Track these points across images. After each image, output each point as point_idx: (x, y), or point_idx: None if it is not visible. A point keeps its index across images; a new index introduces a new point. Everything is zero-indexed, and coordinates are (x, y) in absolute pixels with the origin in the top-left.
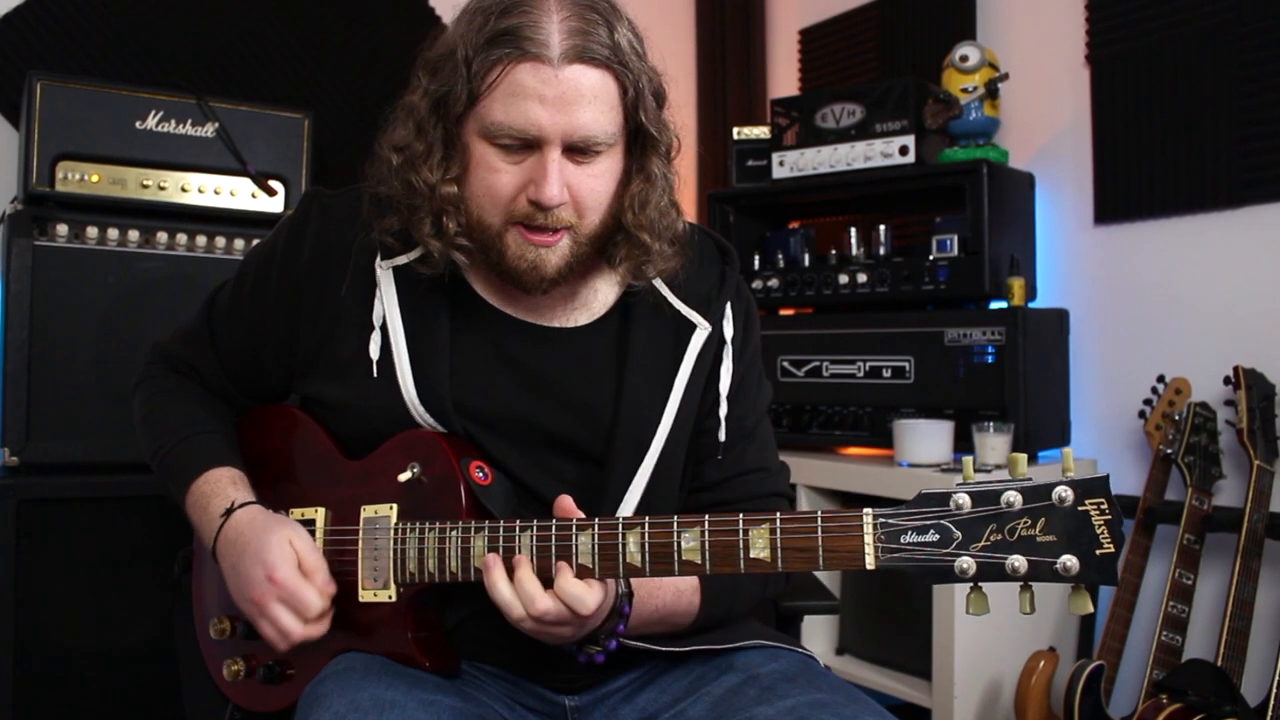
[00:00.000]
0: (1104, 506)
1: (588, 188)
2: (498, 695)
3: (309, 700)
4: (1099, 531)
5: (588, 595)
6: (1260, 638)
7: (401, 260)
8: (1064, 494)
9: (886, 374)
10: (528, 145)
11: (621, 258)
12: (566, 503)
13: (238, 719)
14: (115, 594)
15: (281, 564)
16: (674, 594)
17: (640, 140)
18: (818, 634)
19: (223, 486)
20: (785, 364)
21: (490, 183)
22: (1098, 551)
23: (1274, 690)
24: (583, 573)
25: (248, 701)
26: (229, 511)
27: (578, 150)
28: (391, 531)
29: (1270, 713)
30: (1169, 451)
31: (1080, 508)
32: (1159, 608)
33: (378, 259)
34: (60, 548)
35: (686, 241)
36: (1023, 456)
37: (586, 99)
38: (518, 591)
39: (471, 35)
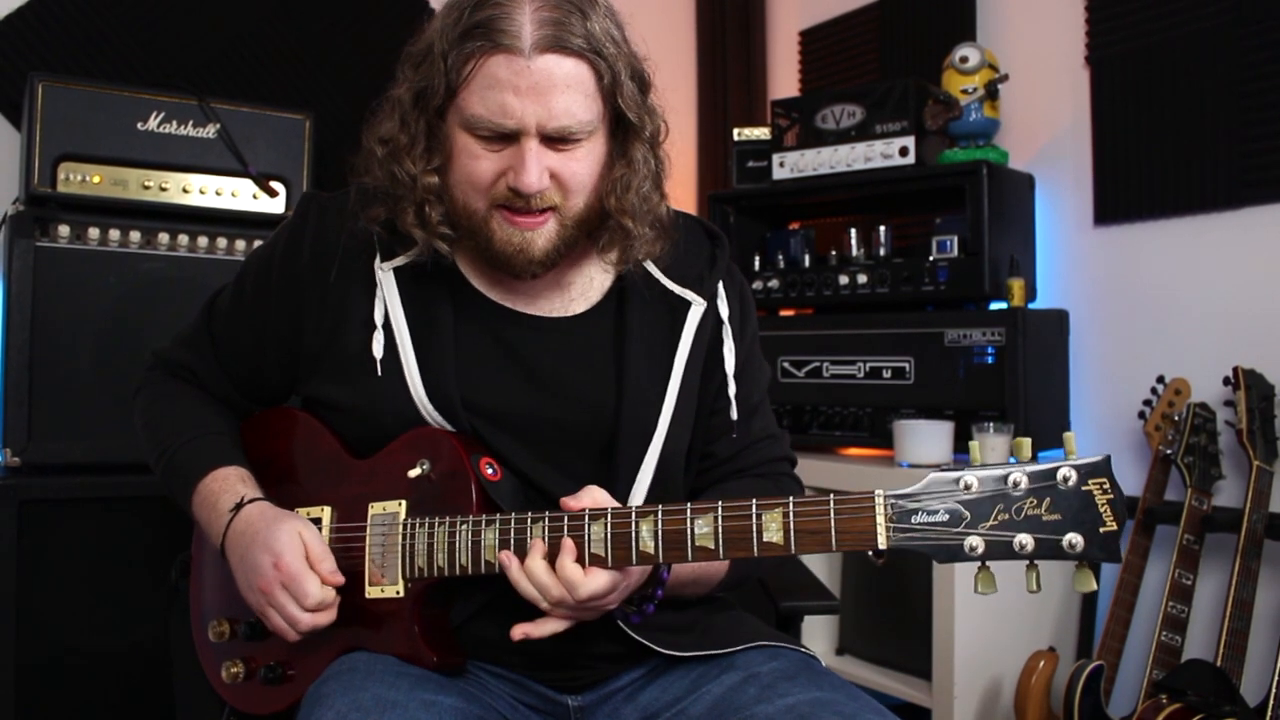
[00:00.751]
0: (1106, 486)
1: (570, 170)
2: (501, 695)
3: (312, 700)
4: (1102, 510)
5: (583, 583)
6: (1259, 638)
7: (401, 261)
8: (1068, 475)
9: (886, 374)
10: (507, 134)
11: (605, 244)
12: (570, 503)
13: None
14: (116, 594)
15: (288, 551)
16: None
17: (622, 126)
18: (818, 634)
19: (232, 483)
20: (785, 364)
21: (471, 169)
22: (1101, 529)
23: (1273, 690)
24: (595, 562)
25: (246, 704)
26: (239, 506)
27: (556, 139)
28: (400, 526)
29: (1270, 712)
30: (1168, 452)
31: (1084, 488)
32: (1159, 608)
33: (377, 260)
34: (62, 548)
35: (670, 225)
36: (1028, 441)
37: (560, 88)
38: (534, 583)
39: (448, 29)
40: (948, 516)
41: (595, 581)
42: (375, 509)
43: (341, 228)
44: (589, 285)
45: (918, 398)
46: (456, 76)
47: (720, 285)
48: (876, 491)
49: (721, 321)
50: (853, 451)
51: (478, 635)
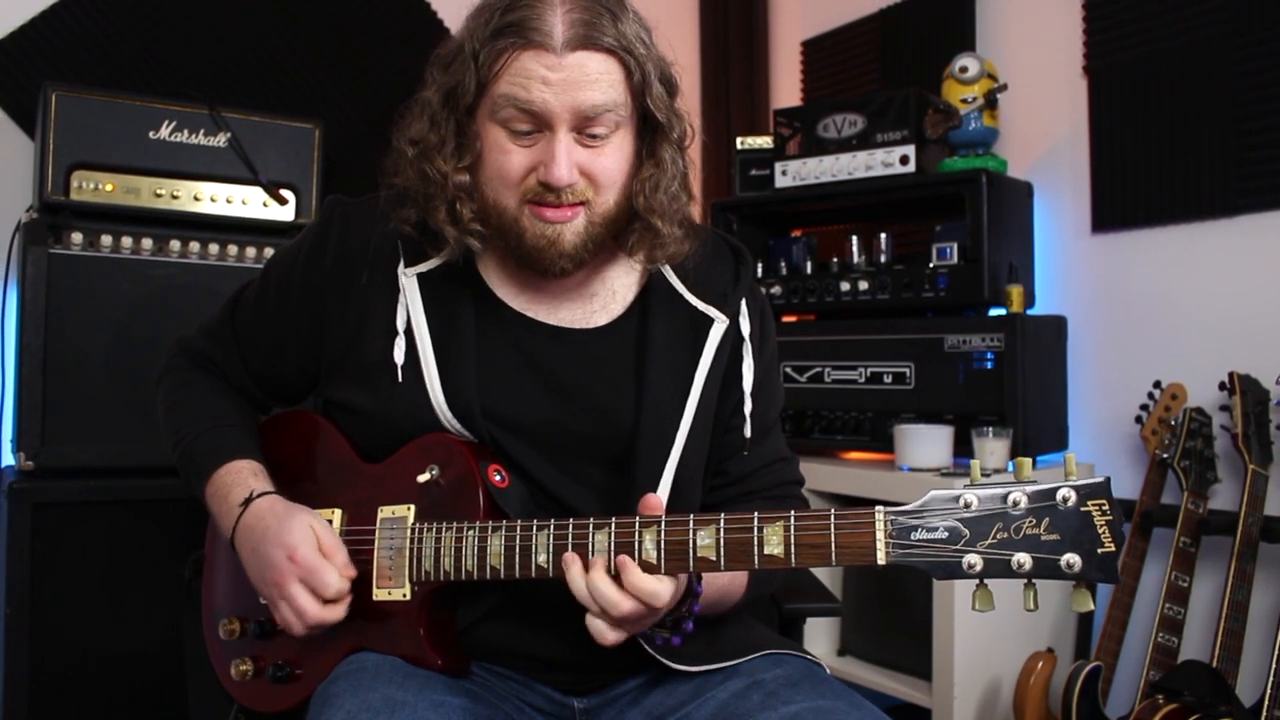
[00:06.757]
0: (1105, 508)
1: (600, 165)
2: (507, 696)
3: (320, 700)
4: (1100, 531)
5: (660, 590)
6: (1254, 639)
7: (425, 267)
8: (1067, 495)
9: (887, 380)
10: (537, 128)
11: (634, 243)
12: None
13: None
14: (129, 596)
15: (302, 544)
16: (729, 575)
17: (650, 126)
18: (820, 636)
19: (244, 477)
20: (788, 369)
21: (501, 163)
22: (1099, 550)
23: (1268, 690)
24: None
25: (255, 702)
26: (249, 500)
27: (588, 129)
28: (409, 531)
29: (1265, 712)
30: (1165, 456)
31: (1083, 509)
32: (1155, 609)
33: (400, 266)
34: (75, 550)
35: (696, 226)
36: (1028, 460)
37: (591, 80)
38: (599, 598)
39: (479, 30)
40: (947, 534)
41: (667, 585)
42: (384, 512)
43: (365, 233)
44: (612, 298)
45: (918, 402)
46: (487, 72)
47: (743, 302)
48: (877, 508)
49: (743, 339)
50: (854, 455)
51: (484, 638)
